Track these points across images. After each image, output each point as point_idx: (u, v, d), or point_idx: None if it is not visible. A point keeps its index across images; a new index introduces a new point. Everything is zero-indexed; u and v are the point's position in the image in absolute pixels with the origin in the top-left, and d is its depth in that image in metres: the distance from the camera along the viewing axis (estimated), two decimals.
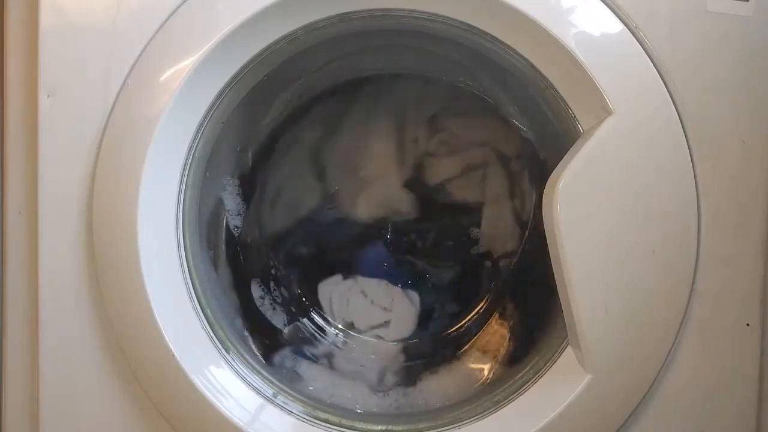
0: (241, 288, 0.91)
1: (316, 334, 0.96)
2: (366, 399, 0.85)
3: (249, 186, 0.91)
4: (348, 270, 0.98)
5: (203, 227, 0.82)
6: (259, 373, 0.76)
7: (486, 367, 0.87)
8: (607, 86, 0.67)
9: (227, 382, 0.72)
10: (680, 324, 0.70)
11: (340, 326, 0.97)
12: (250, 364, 0.76)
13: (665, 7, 0.69)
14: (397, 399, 0.85)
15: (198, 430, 0.71)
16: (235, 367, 0.73)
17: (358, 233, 0.99)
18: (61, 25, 0.69)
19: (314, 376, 0.87)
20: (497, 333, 0.93)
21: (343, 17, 0.71)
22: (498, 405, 0.73)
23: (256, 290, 0.94)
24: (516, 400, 0.72)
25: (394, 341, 0.97)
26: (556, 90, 0.70)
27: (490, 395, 0.75)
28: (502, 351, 0.88)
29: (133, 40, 0.69)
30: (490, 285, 0.97)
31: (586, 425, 0.70)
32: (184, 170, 0.72)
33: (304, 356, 0.90)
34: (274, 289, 0.96)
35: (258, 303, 0.93)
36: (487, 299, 0.97)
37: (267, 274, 0.97)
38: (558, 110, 0.72)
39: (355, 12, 0.71)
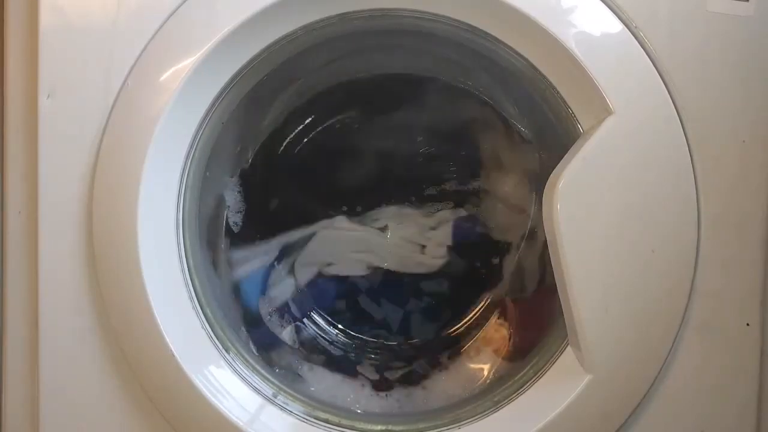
0: (240, 287, 0.90)
1: (316, 334, 0.96)
2: (368, 399, 0.85)
3: (249, 185, 0.91)
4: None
5: (203, 227, 0.82)
6: (259, 373, 0.76)
7: (486, 367, 0.87)
8: (607, 86, 0.67)
9: (227, 382, 0.72)
10: (680, 324, 0.70)
11: (340, 326, 0.97)
12: (250, 364, 0.76)
13: (665, 7, 0.69)
14: (398, 399, 0.85)
15: (198, 430, 0.71)
16: (235, 367, 0.73)
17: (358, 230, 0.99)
18: (61, 25, 0.69)
19: (315, 376, 0.87)
20: (497, 333, 0.93)
21: (343, 17, 0.71)
22: (498, 405, 0.73)
23: (256, 290, 0.94)
24: (516, 400, 0.72)
25: (395, 341, 0.97)
26: (556, 90, 0.70)
27: (490, 395, 0.75)
28: (502, 351, 0.88)
29: (133, 40, 0.69)
30: (490, 285, 0.97)
31: (586, 425, 0.70)
32: (184, 170, 0.72)
33: (305, 357, 0.90)
34: (275, 290, 0.96)
35: (258, 303, 0.93)
36: (487, 299, 0.97)
37: (267, 274, 0.97)
38: (558, 110, 0.72)
39: (354, 12, 0.71)
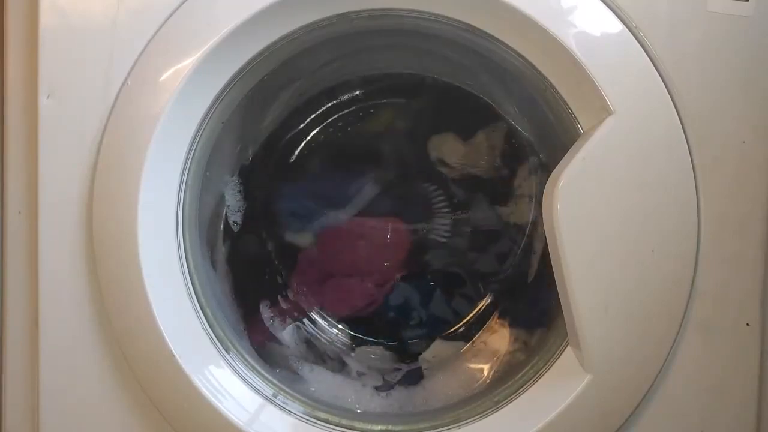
0: (240, 288, 0.90)
1: (316, 334, 0.96)
2: (368, 399, 0.85)
3: (249, 185, 0.91)
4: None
5: (203, 227, 0.82)
6: (259, 373, 0.76)
7: (486, 367, 0.87)
8: (607, 86, 0.67)
9: (227, 382, 0.72)
10: (680, 324, 0.70)
11: (340, 326, 0.97)
12: (250, 364, 0.76)
13: (665, 7, 0.69)
14: (398, 399, 0.85)
15: (198, 430, 0.71)
16: (235, 367, 0.73)
17: (359, 230, 0.99)
18: (61, 25, 0.69)
19: (315, 376, 0.87)
20: (497, 333, 0.93)
21: (343, 17, 0.71)
22: (498, 405, 0.73)
23: (256, 290, 0.94)
24: (516, 400, 0.72)
25: (395, 341, 0.97)
26: (556, 90, 0.70)
27: (490, 395, 0.75)
28: (502, 351, 0.88)
29: (133, 40, 0.69)
30: (490, 285, 0.97)
31: (586, 425, 0.70)
32: (184, 170, 0.72)
33: (305, 357, 0.90)
34: (275, 290, 0.96)
35: (258, 303, 0.93)
36: (487, 299, 0.97)
37: (267, 274, 0.97)
38: (558, 110, 0.72)
39: (354, 12, 0.71)
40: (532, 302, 0.90)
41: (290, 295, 0.96)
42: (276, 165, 0.96)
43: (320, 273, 0.98)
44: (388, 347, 0.96)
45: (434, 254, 0.99)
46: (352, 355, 0.95)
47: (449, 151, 0.97)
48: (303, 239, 0.98)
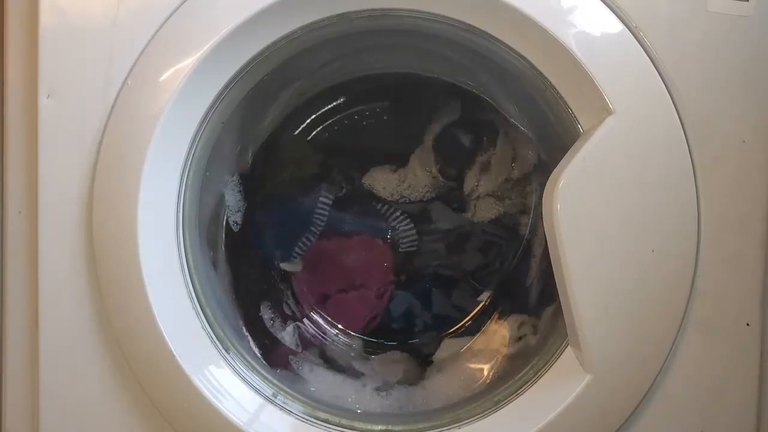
0: (241, 288, 0.90)
1: (317, 334, 0.96)
2: (368, 399, 0.85)
3: (249, 185, 0.91)
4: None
5: (203, 227, 0.82)
6: (259, 373, 0.76)
7: (486, 367, 0.87)
8: (607, 86, 0.67)
9: (227, 382, 0.72)
10: (680, 324, 0.70)
11: (340, 326, 0.97)
12: (250, 364, 0.76)
13: (665, 7, 0.69)
14: (398, 399, 0.85)
15: (198, 430, 0.71)
16: (235, 367, 0.73)
17: (358, 231, 0.99)
18: (61, 25, 0.69)
19: (316, 376, 0.87)
20: (497, 333, 0.93)
21: (343, 17, 0.71)
22: (498, 405, 0.73)
23: (256, 290, 0.94)
24: (516, 400, 0.72)
25: (395, 341, 0.97)
26: (556, 90, 0.70)
27: (490, 395, 0.75)
28: (502, 351, 0.88)
29: (133, 40, 0.69)
30: (490, 285, 0.97)
31: (586, 425, 0.70)
32: (184, 170, 0.72)
33: (305, 357, 0.90)
34: (275, 290, 0.96)
35: (258, 303, 0.93)
36: (487, 299, 0.97)
37: (267, 274, 0.97)
38: (558, 110, 0.72)
39: (354, 12, 0.71)
40: (532, 302, 0.90)
41: (300, 316, 0.96)
42: (276, 165, 0.96)
43: (318, 294, 0.98)
44: (388, 347, 0.97)
45: (421, 260, 0.99)
46: (352, 354, 0.95)
47: (382, 184, 0.98)
48: (293, 266, 0.98)
